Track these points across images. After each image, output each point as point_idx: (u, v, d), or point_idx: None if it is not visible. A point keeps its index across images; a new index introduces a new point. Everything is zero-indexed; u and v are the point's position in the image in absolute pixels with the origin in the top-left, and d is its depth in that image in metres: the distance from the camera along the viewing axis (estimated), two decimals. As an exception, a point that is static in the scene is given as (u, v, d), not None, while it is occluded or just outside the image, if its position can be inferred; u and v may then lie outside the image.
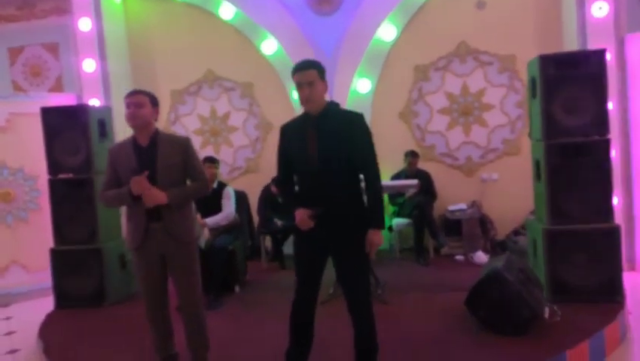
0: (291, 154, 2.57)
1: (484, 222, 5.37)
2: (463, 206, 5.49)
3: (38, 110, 4.46)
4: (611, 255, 3.54)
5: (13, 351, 3.71)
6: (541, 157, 3.66)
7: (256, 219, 5.55)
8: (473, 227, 5.24)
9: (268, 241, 5.65)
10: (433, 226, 5.22)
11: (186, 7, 6.01)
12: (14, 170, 5.33)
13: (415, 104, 5.79)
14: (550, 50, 4.07)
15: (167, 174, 2.57)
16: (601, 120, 3.57)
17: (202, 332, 2.73)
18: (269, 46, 5.81)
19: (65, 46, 6.14)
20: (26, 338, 3.92)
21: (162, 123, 6.11)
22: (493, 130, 5.64)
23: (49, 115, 4.36)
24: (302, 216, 2.45)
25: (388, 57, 5.76)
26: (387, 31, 5.65)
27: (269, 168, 5.83)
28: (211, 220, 4.35)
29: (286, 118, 6.51)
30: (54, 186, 4.40)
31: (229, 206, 4.46)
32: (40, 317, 4.17)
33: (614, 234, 3.55)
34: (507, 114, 5.60)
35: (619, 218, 4.40)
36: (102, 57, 5.63)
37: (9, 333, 4.13)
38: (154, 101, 2.65)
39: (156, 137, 2.62)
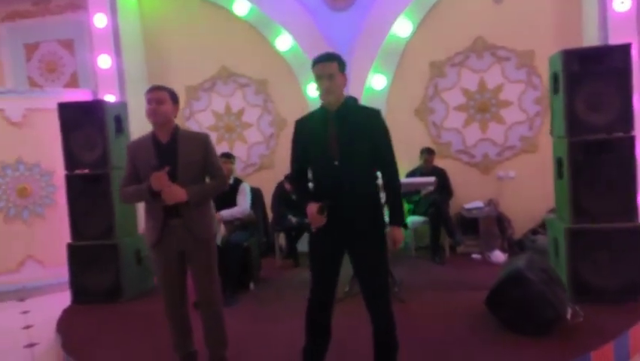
0: (309, 149, 2.54)
1: (501, 221, 5.30)
2: (479, 204, 5.42)
3: (53, 106, 4.47)
4: (635, 254, 3.46)
5: (31, 345, 3.73)
6: (564, 155, 3.59)
7: (270, 216, 5.53)
8: (490, 226, 5.17)
9: (282, 239, 5.63)
10: (449, 224, 5.16)
11: (200, 3, 5.99)
12: (30, 165, 5.36)
13: (431, 101, 5.72)
14: (570, 45, 3.99)
15: (187, 170, 2.55)
16: (626, 117, 3.49)
17: (221, 329, 2.71)
18: (283, 42, 5.77)
19: (80, 42, 6.17)
20: (44, 332, 3.94)
21: (176, 120, 6.10)
22: (510, 127, 5.56)
23: (66, 110, 4.37)
24: (312, 212, 2.38)
25: (404, 53, 5.70)
26: (403, 27, 5.59)
27: (283, 164, 5.80)
28: (226, 213, 4.33)
29: (300, 114, 6.45)
30: (71, 181, 4.41)
31: (245, 202, 4.45)
32: (56, 311, 4.19)
33: (638, 233, 3.47)
34: (525, 111, 5.51)
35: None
36: (118, 53, 5.64)
37: (27, 327, 4.15)
38: (175, 98, 2.63)
39: (176, 133, 2.60)
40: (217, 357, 2.73)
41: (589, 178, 3.54)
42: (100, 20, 5.60)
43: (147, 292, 4.57)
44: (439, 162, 5.58)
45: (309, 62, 6.16)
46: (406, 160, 5.44)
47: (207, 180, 2.69)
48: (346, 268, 2.62)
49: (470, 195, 5.58)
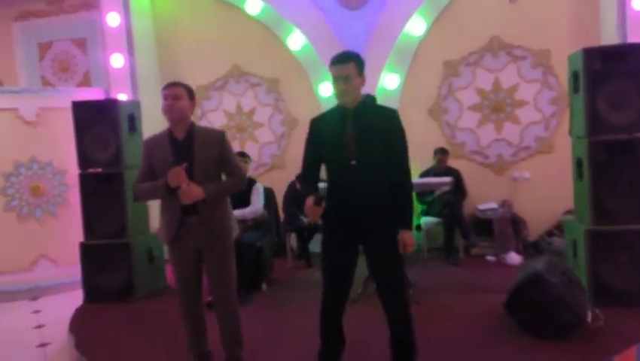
0: (324, 148, 2.49)
1: (516, 223, 5.22)
2: (494, 205, 5.35)
3: (67, 105, 4.47)
4: (657, 257, 3.39)
5: (43, 345, 3.72)
6: (584, 155, 3.52)
7: (281, 216, 5.50)
8: (505, 227, 5.09)
9: (293, 239, 5.59)
10: (464, 226, 5.09)
11: (213, 2, 5.98)
12: (43, 164, 5.36)
13: (444, 101, 5.66)
14: (587, 44, 3.89)
15: (204, 168, 2.52)
16: (649, 117, 3.41)
17: (237, 329, 2.68)
18: (295, 41, 5.74)
19: (93, 41, 6.18)
20: (56, 331, 3.93)
21: (188, 119, 6.09)
22: (526, 127, 5.48)
23: (79, 109, 4.37)
24: (309, 204, 2.29)
25: (417, 52, 5.64)
26: (416, 26, 5.54)
27: (294, 164, 5.75)
28: (237, 212, 4.31)
29: (312, 114, 6.39)
30: (84, 180, 4.41)
31: (258, 202, 4.42)
32: (68, 310, 4.19)
33: (660, 235, 3.40)
34: (541, 111, 5.43)
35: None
36: (130, 52, 5.64)
37: (39, 326, 4.14)
38: (191, 94, 2.60)
39: (192, 130, 2.57)
40: (233, 357, 2.70)
41: (610, 179, 3.47)
42: (113, 19, 5.61)
43: (159, 291, 4.56)
44: (452, 163, 5.52)
45: (321, 61, 6.13)
46: (419, 160, 5.37)
47: (223, 177, 2.66)
48: (360, 269, 2.58)
49: (484, 196, 5.51)
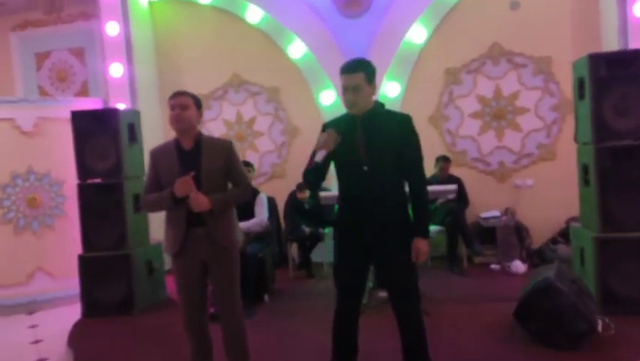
0: (336, 154, 2.44)
1: (519, 230, 5.18)
2: (496, 213, 5.31)
3: (65, 115, 4.41)
4: (666, 264, 3.35)
5: (42, 360, 3.62)
6: (590, 161, 3.49)
7: (282, 225, 5.43)
8: (509, 235, 5.05)
9: (294, 249, 5.52)
10: (467, 234, 5.05)
11: (212, 10, 5.96)
12: (41, 175, 5.27)
13: (445, 108, 5.64)
14: (588, 51, 3.87)
15: (211, 178, 2.47)
16: (655, 122, 3.39)
17: (243, 342, 2.61)
18: (296, 49, 5.72)
19: (91, 50, 6.14)
20: (54, 346, 3.82)
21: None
22: (527, 134, 5.46)
23: (79, 119, 4.31)
24: (327, 133, 2.32)
25: (418, 60, 5.63)
26: (417, 34, 5.53)
27: (295, 173, 5.70)
28: (243, 225, 4.24)
29: (313, 123, 6.37)
30: (83, 191, 4.34)
31: (262, 213, 4.35)
32: (66, 325, 4.09)
33: (669, 242, 3.36)
34: (542, 118, 5.42)
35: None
36: (129, 61, 5.59)
37: (36, 341, 4.04)
38: (198, 103, 2.56)
39: (199, 140, 2.52)
40: (239, 371, 2.62)
41: (616, 185, 3.44)
42: (112, 28, 5.56)
43: (159, 304, 4.49)
44: (454, 171, 5.48)
45: (322, 70, 6.10)
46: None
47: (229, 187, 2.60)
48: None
49: (486, 204, 5.47)
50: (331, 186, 4.55)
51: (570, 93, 5.11)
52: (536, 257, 5.11)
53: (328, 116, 5.72)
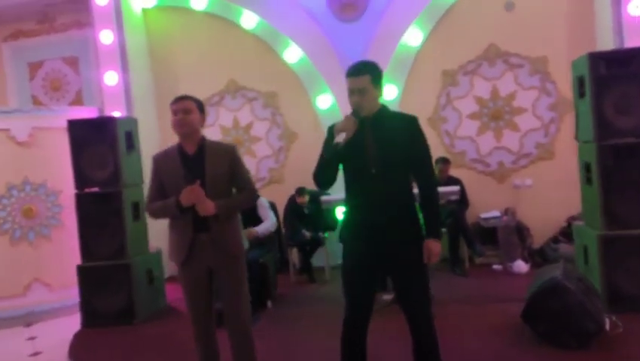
0: (343, 156, 2.42)
1: (520, 230, 5.17)
2: (497, 213, 5.30)
3: (60, 125, 4.36)
4: (671, 261, 3.35)
5: (42, 373, 3.56)
6: (592, 160, 3.49)
7: (282, 231, 5.39)
8: (510, 235, 5.04)
9: (295, 254, 5.48)
10: (469, 235, 5.04)
11: (207, 17, 5.93)
12: (36, 185, 5.20)
13: (443, 110, 5.64)
14: (584, 50, 3.90)
15: (215, 183, 2.43)
16: (655, 119, 3.40)
17: (251, 350, 2.56)
18: (292, 54, 5.70)
19: (85, 59, 6.09)
20: (54, 358, 3.77)
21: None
22: (525, 134, 5.47)
23: (76, 128, 4.27)
24: (344, 119, 2.27)
25: (415, 62, 5.63)
26: (413, 36, 5.54)
27: (293, 178, 5.69)
28: (261, 229, 4.34)
29: (310, 127, 6.33)
30: (81, 200, 4.28)
31: (269, 215, 4.41)
32: (65, 336, 4.04)
33: (673, 238, 3.36)
34: (540, 118, 5.43)
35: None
36: (124, 69, 5.54)
37: (35, 354, 3.97)
38: (201, 107, 2.53)
39: (203, 145, 2.49)
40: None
41: (618, 183, 3.45)
42: (106, 37, 5.52)
43: (160, 313, 4.43)
44: (453, 172, 5.47)
45: (319, 74, 6.07)
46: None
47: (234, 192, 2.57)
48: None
49: (486, 205, 5.47)
50: (331, 190, 4.52)
51: (567, 92, 5.15)
52: (538, 257, 5.11)
53: (326, 121, 5.78)
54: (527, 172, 5.48)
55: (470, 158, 5.62)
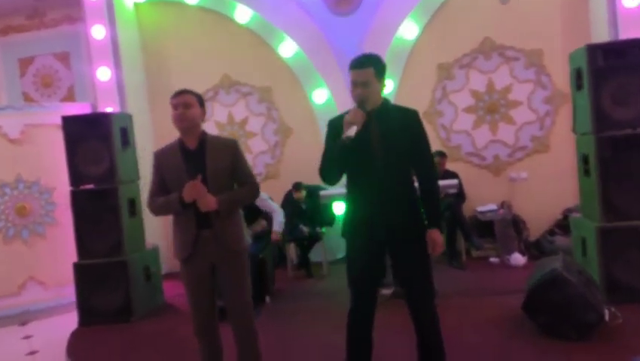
0: (350, 150, 2.40)
1: (517, 223, 5.20)
2: (493, 207, 5.32)
3: (53, 121, 4.31)
4: (669, 251, 3.37)
5: (40, 372, 3.52)
6: (590, 151, 3.50)
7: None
8: (507, 228, 5.06)
9: (293, 249, 5.47)
10: (466, 228, 5.05)
11: (200, 11, 5.87)
12: (30, 183, 5.14)
13: (439, 104, 5.64)
14: (579, 43, 3.90)
15: (217, 178, 2.40)
16: (653, 111, 3.42)
17: (255, 346, 2.55)
18: (287, 48, 5.66)
19: (76, 55, 6.00)
20: (51, 357, 3.73)
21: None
22: (521, 127, 5.48)
23: (70, 124, 4.21)
24: (352, 110, 2.26)
25: (411, 56, 5.61)
26: (408, 30, 5.52)
27: (289, 173, 5.67)
28: (277, 226, 4.47)
29: (306, 122, 6.28)
30: (76, 197, 4.23)
31: (275, 207, 4.53)
32: (61, 334, 4.00)
33: (671, 229, 3.39)
34: (535, 111, 5.44)
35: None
36: (117, 65, 5.46)
37: (32, 353, 3.93)
38: (201, 101, 2.50)
39: (204, 139, 2.46)
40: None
41: (616, 175, 3.46)
42: (98, 32, 5.44)
43: (157, 310, 4.40)
44: (449, 166, 5.47)
45: (314, 68, 6.04)
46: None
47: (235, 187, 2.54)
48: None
49: (482, 198, 5.48)
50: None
51: (562, 85, 5.17)
52: (534, 249, 5.14)
53: (322, 115, 5.76)
54: (523, 165, 5.50)
55: (466, 151, 5.62)
